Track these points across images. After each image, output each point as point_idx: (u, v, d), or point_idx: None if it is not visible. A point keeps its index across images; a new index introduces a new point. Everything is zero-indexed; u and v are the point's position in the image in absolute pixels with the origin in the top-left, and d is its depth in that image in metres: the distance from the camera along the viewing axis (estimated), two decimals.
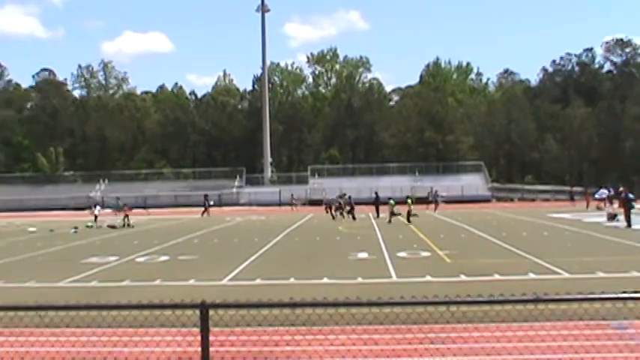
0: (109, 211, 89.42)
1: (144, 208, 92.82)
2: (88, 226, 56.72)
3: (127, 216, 60.61)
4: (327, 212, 65.37)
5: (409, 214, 55.03)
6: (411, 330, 12.95)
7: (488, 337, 12.90)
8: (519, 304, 7.49)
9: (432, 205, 75.84)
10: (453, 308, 8.30)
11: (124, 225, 56.41)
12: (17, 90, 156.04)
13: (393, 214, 56.38)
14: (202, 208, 76.37)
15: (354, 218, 59.76)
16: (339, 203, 65.11)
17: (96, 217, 61.44)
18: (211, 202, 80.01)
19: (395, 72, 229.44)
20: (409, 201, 56.96)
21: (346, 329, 13.21)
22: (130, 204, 66.55)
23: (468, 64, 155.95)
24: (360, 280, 22.58)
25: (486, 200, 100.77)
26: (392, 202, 57.44)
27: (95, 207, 63.97)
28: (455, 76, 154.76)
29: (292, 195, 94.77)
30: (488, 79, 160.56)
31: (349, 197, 66.82)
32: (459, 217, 59.71)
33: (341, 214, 63.09)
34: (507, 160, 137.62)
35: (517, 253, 29.24)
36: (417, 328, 12.73)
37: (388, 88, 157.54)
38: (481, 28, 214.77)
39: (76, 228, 53.58)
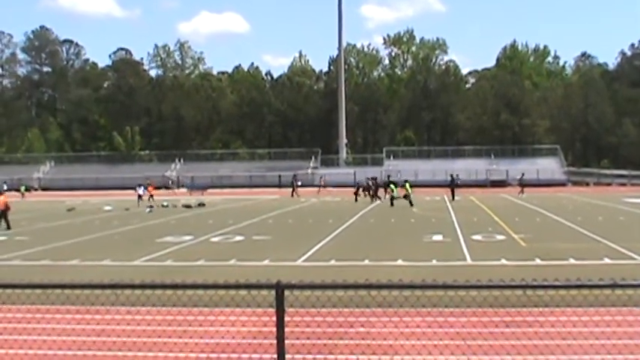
0: (184, 190, 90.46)
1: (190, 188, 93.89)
2: (163, 206, 57.32)
3: (151, 196, 61.17)
4: (358, 195, 64.45)
5: (407, 198, 54.89)
6: (487, 313, 12.85)
7: (564, 322, 12.74)
8: (596, 289, 7.37)
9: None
10: (529, 292, 8.26)
11: (151, 206, 56.32)
12: (94, 69, 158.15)
13: (393, 197, 56.02)
14: (291, 189, 76.65)
15: (377, 198, 60.81)
16: (368, 185, 64.81)
17: (140, 196, 61.63)
18: (299, 183, 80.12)
19: (471, 54, 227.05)
20: (407, 185, 56.86)
21: (421, 312, 13.17)
22: (154, 183, 66.17)
23: (545, 47, 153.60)
24: (434, 262, 22.48)
25: (562, 184, 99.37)
26: (392, 186, 57.15)
27: (140, 187, 64.12)
28: (532, 59, 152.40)
29: (321, 177, 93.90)
30: (565, 62, 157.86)
31: (376, 179, 66.52)
32: (534, 200, 59.01)
33: (371, 196, 63.05)
34: (583, 144, 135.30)
35: (593, 238, 28.82)
36: (492, 311, 12.64)
37: (464, 71, 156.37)
38: (559, 10, 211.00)
39: (151, 207, 54.22)
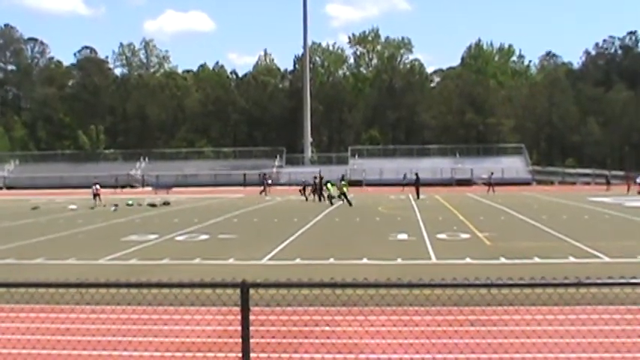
0: (149, 189, 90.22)
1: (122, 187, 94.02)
2: (128, 204, 57.05)
3: (97, 195, 60.77)
4: (302, 194, 64.22)
5: (344, 196, 55.09)
6: (452, 312, 12.92)
7: (528, 320, 12.84)
8: (560, 288, 7.44)
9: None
10: (493, 291, 8.28)
11: (116, 205, 55.61)
12: (59, 67, 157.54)
13: (330, 196, 56.15)
14: (261, 187, 76.62)
15: (319, 199, 59.58)
16: (314, 184, 64.08)
17: (95, 195, 61.17)
18: (270, 181, 79.93)
19: (436, 53, 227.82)
20: (343, 183, 57.28)
21: (386, 310, 13.20)
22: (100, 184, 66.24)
23: (510, 46, 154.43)
24: (399, 261, 22.54)
25: (527, 183, 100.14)
26: (329, 185, 57.35)
27: (95, 185, 63.88)
28: (496, 58, 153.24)
29: (264, 175, 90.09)
30: (530, 61, 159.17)
31: (322, 178, 65.45)
32: (499, 199, 59.38)
33: (318, 196, 61.59)
34: (548, 143, 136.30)
35: (557, 237, 29.03)
36: (457, 310, 12.72)
37: (429, 70, 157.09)
38: (523, 9, 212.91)
39: (116, 206, 53.92)
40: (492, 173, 79.09)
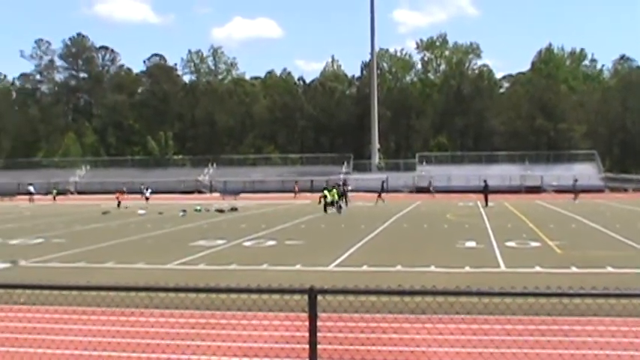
0: (217, 195, 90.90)
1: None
2: (196, 210, 57.51)
3: (119, 201, 62.39)
4: (320, 202, 62.58)
5: (334, 203, 55.12)
6: (522, 321, 12.73)
7: (602, 332, 12.59)
8: (636, 299, 7.26)
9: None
10: (565, 300, 8.10)
11: (184, 210, 56.28)
12: (129, 75, 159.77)
13: (327, 204, 55.70)
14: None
15: (339, 207, 56.97)
16: (338, 190, 63.18)
17: (147, 199, 63.20)
18: (349, 187, 79.85)
19: (505, 58, 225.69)
20: (334, 191, 56.90)
21: (455, 318, 13.04)
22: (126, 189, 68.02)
23: (582, 49, 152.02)
24: (467, 269, 22.32)
25: (599, 190, 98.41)
26: (325, 192, 57.08)
27: (147, 190, 65.82)
28: (568, 63, 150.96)
29: (344, 181, 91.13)
30: (603, 65, 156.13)
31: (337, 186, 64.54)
32: (570, 206, 58.58)
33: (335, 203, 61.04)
34: (622, 149, 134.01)
35: (631, 246, 28.50)
36: (527, 319, 12.52)
37: (498, 75, 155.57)
38: (596, 12, 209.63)
39: (184, 211, 54.35)
40: (576, 180, 78.13)
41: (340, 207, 55.03)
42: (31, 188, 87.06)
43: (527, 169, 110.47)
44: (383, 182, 70.49)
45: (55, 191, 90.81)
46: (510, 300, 12.25)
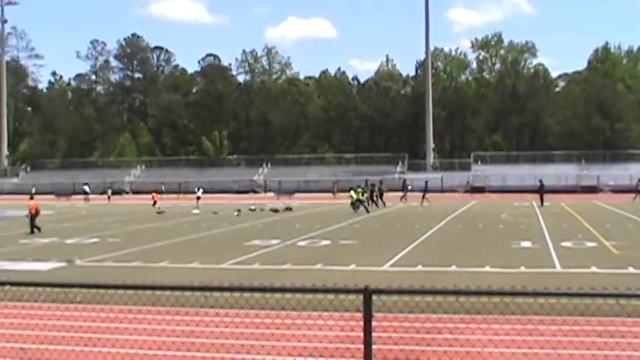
0: (271, 195, 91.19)
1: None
2: (251, 210, 57.74)
3: (155, 202, 63.37)
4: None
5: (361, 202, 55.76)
6: (578, 322, 12.61)
7: None
8: None
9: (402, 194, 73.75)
10: (622, 301, 8.04)
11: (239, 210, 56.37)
12: (183, 75, 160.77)
13: (352, 203, 56.05)
14: (401, 193, 75.82)
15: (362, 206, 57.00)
16: (372, 189, 63.41)
17: (198, 198, 64.24)
18: (410, 187, 79.32)
19: (561, 57, 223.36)
20: (359, 190, 57.39)
21: (510, 319, 12.97)
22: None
23: None
24: (523, 269, 22.18)
25: None
26: (352, 192, 57.13)
27: (199, 189, 66.66)
28: (625, 61, 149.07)
29: (405, 180, 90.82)
30: None
31: (372, 185, 64.63)
32: (627, 207, 57.80)
33: (374, 201, 61.40)
34: None
35: None
36: (584, 320, 12.41)
37: (554, 74, 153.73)
38: None
39: (239, 211, 54.53)
40: (405, 180, 77.65)
41: (362, 206, 55.29)
42: (86, 188, 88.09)
43: (584, 168, 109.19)
44: (426, 182, 70.03)
45: (110, 191, 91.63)
46: (566, 301, 12.19)
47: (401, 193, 74.19)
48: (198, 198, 64.56)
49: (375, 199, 61.96)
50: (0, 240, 34.67)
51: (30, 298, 13.68)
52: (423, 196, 67.37)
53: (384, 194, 64.62)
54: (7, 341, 12.02)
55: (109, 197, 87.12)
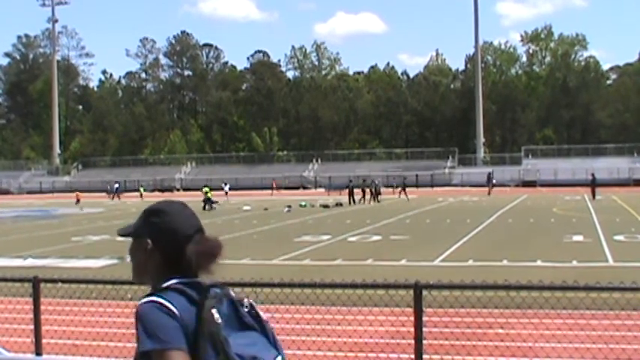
0: (322, 190, 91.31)
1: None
2: (301, 205, 57.85)
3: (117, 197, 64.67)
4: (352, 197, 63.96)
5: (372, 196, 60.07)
6: (631, 316, 12.51)
7: None
8: None
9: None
10: None
11: (289, 206, 56.66)
12: (233, 72, 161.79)
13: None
14: (487, 188, 75.81)
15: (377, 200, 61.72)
16: (369, 185, 65.36)
17: (226, 193, 65.16)
18: (494, 181, 78.59)
19: (613, 49, 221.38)
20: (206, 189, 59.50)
21: (562, 314, 12.88)
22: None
23: None
24: (575, 263, 22.01)
25: None
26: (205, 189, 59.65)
27: (226, 185, 67.13)
28: None
29: (489, 174, 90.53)
30: None
31: (372, 182, 67.42)
32: None
33: (373, 197, 64.20)
34: None
35: None
36: (637, 314, 12.31)
37: (605, 67, 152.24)
38: None
39: (289, 207, 54.65)
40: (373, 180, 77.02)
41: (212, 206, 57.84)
42: (116, 186, 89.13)
43: (636, 161, 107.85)
44: (489, 173, 69.82)
45: (142, 188, 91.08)
46: (619, 295, 12.09)
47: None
48: (226, 193, 64.97)
49: (374, 195, 65.02)
50: (52, 237, 35.07)
51: (82, 296, 13.84)
52: (489, 191, 67.45)
53: (380, 191, 67.33)
54: (60, 338, 12.17)
55: (141, 195, 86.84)
